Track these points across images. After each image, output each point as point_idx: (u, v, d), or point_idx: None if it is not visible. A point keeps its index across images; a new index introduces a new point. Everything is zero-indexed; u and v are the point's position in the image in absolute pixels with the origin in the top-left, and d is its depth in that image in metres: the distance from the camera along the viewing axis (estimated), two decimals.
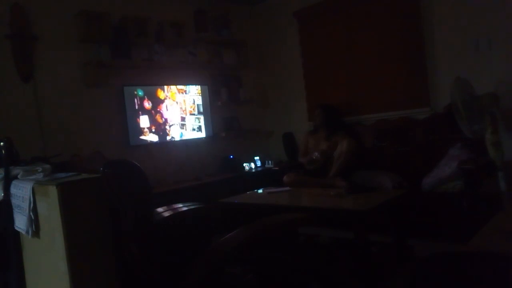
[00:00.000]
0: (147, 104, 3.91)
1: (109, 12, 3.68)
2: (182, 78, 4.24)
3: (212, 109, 4.44)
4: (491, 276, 1.00)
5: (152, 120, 3.94)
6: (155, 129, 3.96)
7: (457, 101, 2.76)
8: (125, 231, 1.52)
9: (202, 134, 4.36)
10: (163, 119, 4.04)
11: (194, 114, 4.30)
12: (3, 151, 1.75)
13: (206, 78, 4.50)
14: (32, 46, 3.30)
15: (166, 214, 1.88)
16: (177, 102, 4.15)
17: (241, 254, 1.77)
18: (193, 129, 4.29)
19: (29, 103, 3.29)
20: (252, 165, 4.64)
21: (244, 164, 4.56)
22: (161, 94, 4.03)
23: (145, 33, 3.90)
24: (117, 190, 1.51)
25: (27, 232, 1.66)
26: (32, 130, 3.27)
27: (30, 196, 1.62)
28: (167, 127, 4.06)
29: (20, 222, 1.71)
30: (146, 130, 3.89)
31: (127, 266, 1.54)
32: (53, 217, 1.50)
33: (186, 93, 4.24)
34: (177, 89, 4.17)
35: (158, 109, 4.00)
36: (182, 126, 4.19)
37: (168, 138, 4.07)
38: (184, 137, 4.20)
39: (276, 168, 4.37)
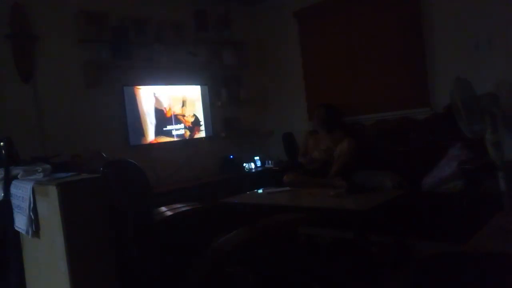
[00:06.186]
0: (147, 104, 3.91)
1: (109, 12, 3.68)
2: (182, 78, 4.24)
3: (212, 109, 4.44)
4: (491, 276, 1.00)
5: (152, 120, 3.94)
6: (155, 129, 3.96)
7: (457, 101, 2.75)
8: (125, 231, 1.52)
9: (202, 134, 4.36)
10: (163, 119, 4.04)
11: (194, 114, 4.30)
12: (3, 151, 1.76)
13: (206, 78, 4.50)
14: (32, 46, 3.30)
15: (166, 214, 1.88)
16: (177, 102, 4.15)
17: (241, 254, 1.77)
18: (193, 129, 4.29)
19: (29, 103, 3.29)
20: (252, 165, 4.64)
21: (244, 164, 4.56)
22: (161, 94, 4.02)
23: (145, 33, 3.90)
24: (117, 190, 1.51)
25: (27, 232, 1.66)
26: (32, 130, 3.27)
27: (30, 196, 1.62)
28: (167, 127, 4.06)
29: (20, 222, 1.72)
30: (146, 130, 3.89)
31: (127, 266, 1.54)
32: (53, 217, 1.50)
33: (186, 93, 4.24)
34: (177, 89, 4.18)
35: (158, 109, 4.00)
36: (182, 126, 4.19)
37: (168, 138, 4.07)
38: (184, 137, 4.20)
39: (276, 168, 4.37)
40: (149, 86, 3.94)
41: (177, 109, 4.15)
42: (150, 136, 3.92)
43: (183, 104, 4.21)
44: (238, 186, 3.94)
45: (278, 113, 4.92)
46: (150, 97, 3.93)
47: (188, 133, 4.23)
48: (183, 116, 4.20)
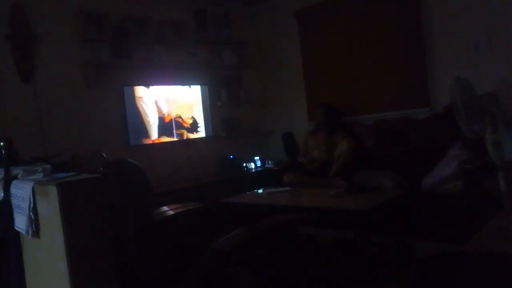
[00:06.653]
0: (147, 104, 3.91)
1: (109, 12, 3.68)
2: (182, 78, 4.24)
3: (212, 109, 4.44)
4: (491, 276, 1.00)
5: (152, 120, 3.94)
6: (155, 128, 3.95)
7: (457, 101, 2.75)
8: (125, 231, 1.52)
9: (202, 134, 4.36)
10: (163, 119, 4.03)
11: (193, 114, 4.30)
12: (3, 151, 1.76)
13: (206, 78, 4.50)
14: (32, 46, 3.30)
15: (166, 214, 1.88)
16: (177, 102, 4.15)
17: (241, 254, 1.77)
18: (193, 129, 4.29)
19: (29, 103, 3.29)
20: (252, 165, 4.64)
21: (244, 164, 4.56)
22: (161, 94, 4.02)
23: (145, 33, 3.91)
24: (117, 190, 1.51)
25: (27, 232, 1.66)
26: (32, 130, 3.27)
27: (30, 196, 1.62)
28: (167, 127, 4.06)
29: (20, 222, 1.72)
30: (146, 130, 3.89)
31: (127, 266, 1.54)
32: (53, 217, 1.50)
33: (185, 93, 4.24)
34: (177, 89, 4.17)
35: (158, 109, 3.99)
36: (182, 126, 4.19)
37: (168, 138, 4.07)
38: (184, 137, 4.20)
39: (276, 168, 4.36)
40: (149, 86, 3.94)
41: (177, 109, 4.15)
42: (150, 136, 3.92)
43: (183, 104, 4.20)
44: (238, 186, 3.94)
45: (278, 113, 4.92)
46: (150, 97, 3.93)
47: (187, 133, 4.23)
48: (183, 115, 4.20)
